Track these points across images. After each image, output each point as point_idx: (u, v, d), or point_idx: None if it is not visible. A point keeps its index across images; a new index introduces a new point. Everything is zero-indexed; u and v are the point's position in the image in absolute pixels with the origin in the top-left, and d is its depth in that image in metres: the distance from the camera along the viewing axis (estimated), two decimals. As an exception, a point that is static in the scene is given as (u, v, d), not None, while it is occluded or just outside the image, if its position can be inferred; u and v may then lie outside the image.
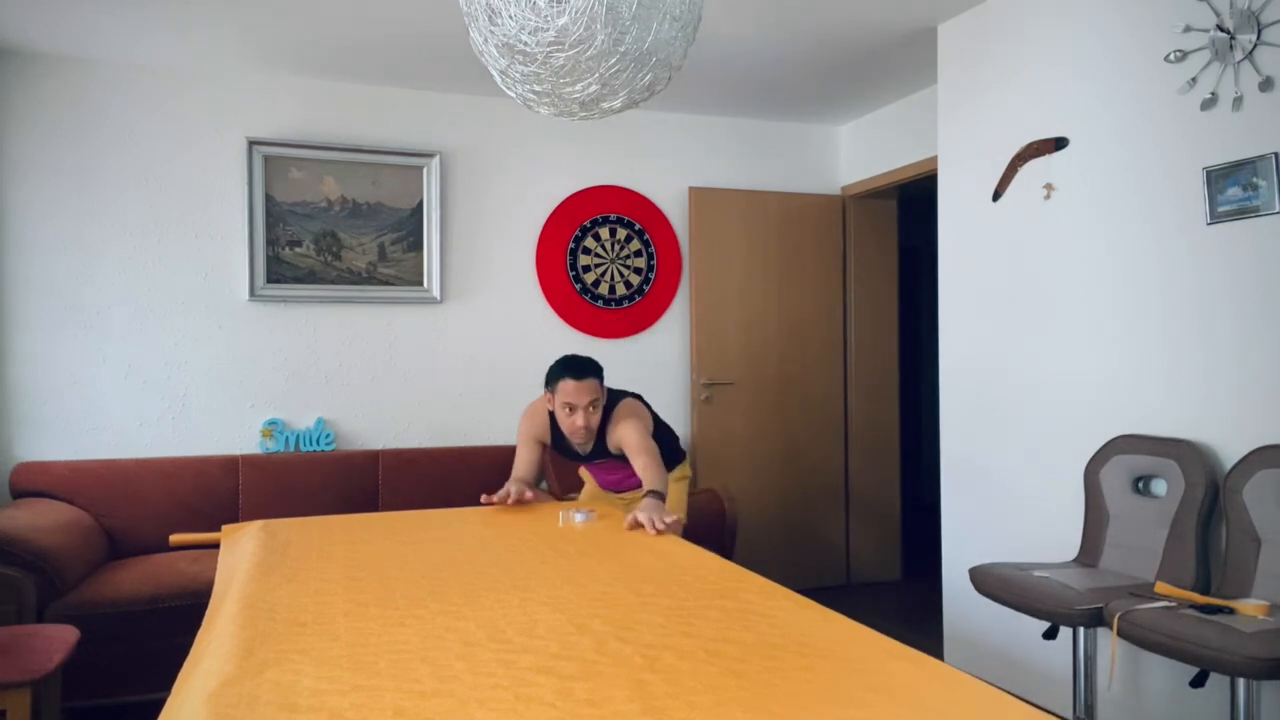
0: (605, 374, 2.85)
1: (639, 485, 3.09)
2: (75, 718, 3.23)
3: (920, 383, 7.37)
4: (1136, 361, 2.86)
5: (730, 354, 4.83)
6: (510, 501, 2.86)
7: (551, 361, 2.98)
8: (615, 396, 3.01)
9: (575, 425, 2.81)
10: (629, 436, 2.87)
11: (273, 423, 4.11)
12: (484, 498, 2.88)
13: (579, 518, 2.58)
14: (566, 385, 2.80)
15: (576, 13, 1.79)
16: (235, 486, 3.90)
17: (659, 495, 2.66)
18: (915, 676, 1.33)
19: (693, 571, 1.96)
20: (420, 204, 4.35)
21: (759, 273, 4.89)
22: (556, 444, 3.02)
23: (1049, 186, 3.17)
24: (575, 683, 1.31)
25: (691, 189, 4.78)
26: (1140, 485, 2.77)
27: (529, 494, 2.92)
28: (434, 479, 4.17)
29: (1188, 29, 2.67)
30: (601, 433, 2.94)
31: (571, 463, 3.04)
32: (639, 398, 3.07)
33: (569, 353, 2.89)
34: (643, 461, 2.80)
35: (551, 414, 2.95)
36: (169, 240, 4.01)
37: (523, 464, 3.02)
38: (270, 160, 4.12)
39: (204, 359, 4.06)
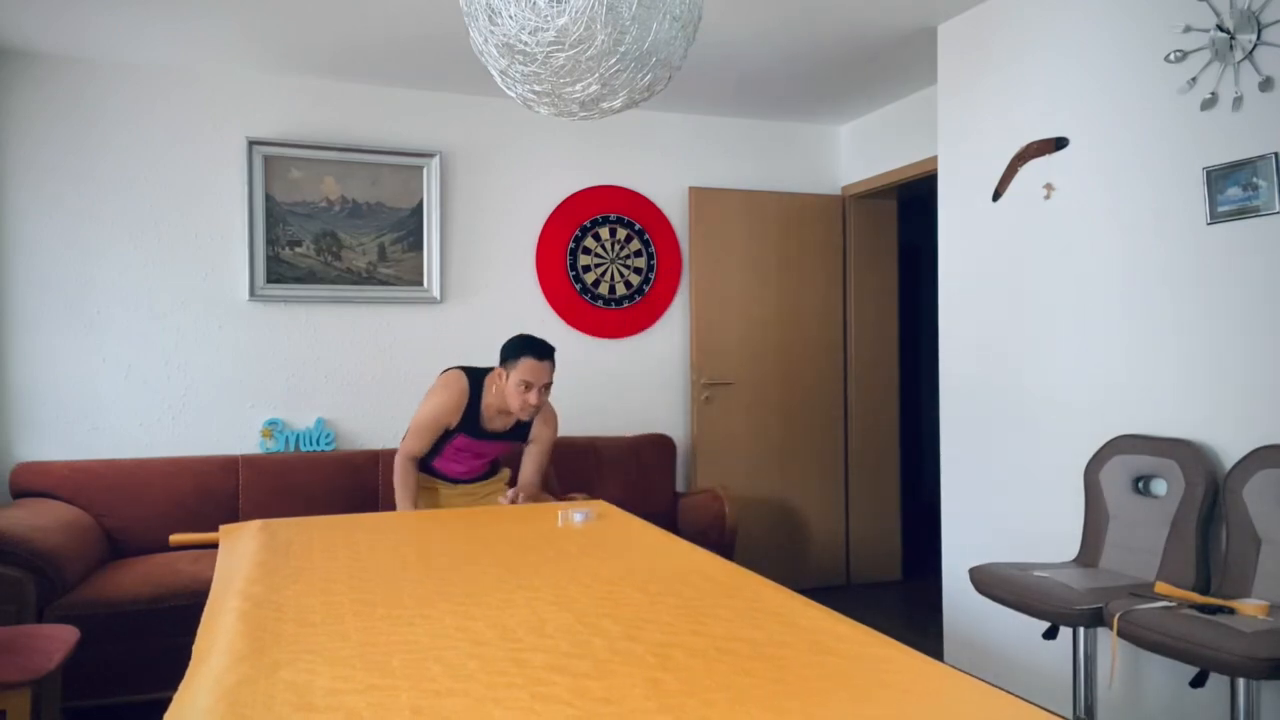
0: (556, 362, 3.16)
1: (482, 474, 3.35)
2: (75, 718, 3.23)
3: (920, 383, 7.37)
4: (1136, 361, 2.86)
5: (730, 354, 4.83)
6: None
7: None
8: None
9: (527, 402, 2.98)
10: (548, 438, 3.24)
11: (273, 423, 4.11)
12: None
13: (578, 517, 2.58)
14: (529, 364, 2.96)
15: (576, 13, 1.79)
16: (235, 486, 3.90)
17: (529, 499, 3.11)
18: (917, 676, 1.33)
19: (698, 571, 1.97)
20: (420, 204, 4.35)
21: (759, 273, 4.89)
22: (467, 424, 3.11)
23: (1049, 186, 3.17)
24: (589, 681, 1.31)
25: (691, 189, 4.78)
26: (1140, 485, 2.77)
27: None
28: (434, 479, 4.17)
29: (1188, 29, 2.67)
30: (527, 424, 3.20)
31: (462, 439, 3.18)
32: None
33: (525, 333, 3.13)
34: (540, 472, 3.21)
35: (473, 394, 3.09)
36: (169, 240, 4.01)
37: (421, 448, 3.13)
38: (270, 160, 4.12)
39: (204, 359, 4.06)
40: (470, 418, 3.11)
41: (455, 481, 3.31)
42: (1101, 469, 2.84)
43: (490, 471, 3.40)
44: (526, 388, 2.97)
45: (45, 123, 3.85)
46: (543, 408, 3.18)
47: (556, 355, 4.59)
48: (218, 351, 4.08)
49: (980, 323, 3.49)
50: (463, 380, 3.10)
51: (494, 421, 3.14)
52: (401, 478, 3.08)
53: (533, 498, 3.17)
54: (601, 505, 2.89)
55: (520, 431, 3.21)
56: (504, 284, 4.52)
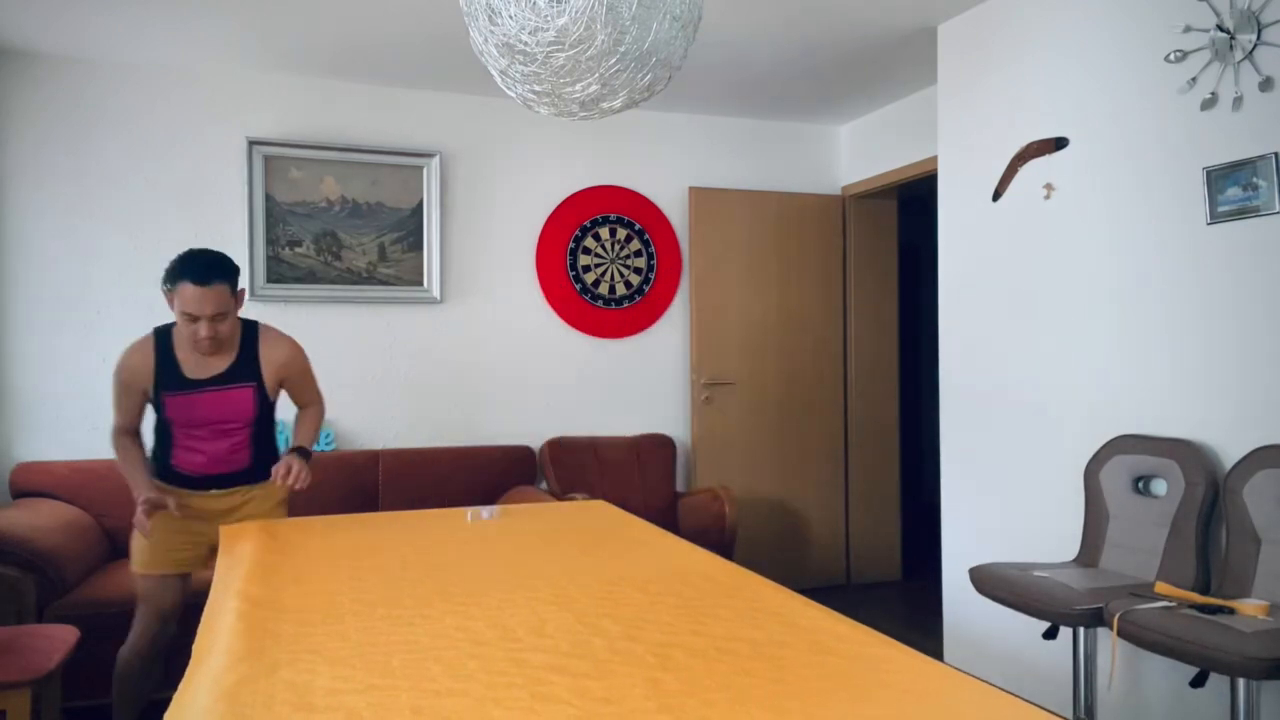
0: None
1: (240, 471, 2.60)
2: (75, 718, 3.23)
3: (920, 383, 7.37)
4: (1136, 361, 2.86)
5: (730, 354, 4.83)
6: (147, 509, 2.38)
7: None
8: (254, 323, 2.65)
9: (197, 335, 2.38)
10: (303, 369, 2.58)
11: (273, 423, 4.11)
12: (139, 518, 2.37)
13: (486, 514, 2.63)
14: (187, 290, 2.34)
15: (576, 13, 1.79)
16: (235, 486, 3.90)
17: (306, 453, 2.53)
18: (917, 676, 1.33)
19: (698, 571, 1.97)
20: (420, 204, 4.35)
21: (759, 273, 4.89)
22: (166, 377, 2.48)
23: (1049, 186, 3.17)
24: (589, 681, 1.31)
25: (691, 189, 4.78)
26: (1140, 485, 2.77)
27: (169, 501, 2.43)
28: (434, 479, 4.17)
29: (1188, 29, 2.67)
30: (250, 355, 2.52)
31: (171, 400, 2.49)
32: None
33: (198, 248, 2.50)
34: (312, 410, 2.63)
35: (162, 340, 2.52)
36: (169, 240, 4.01)
37: (124, 418, 2.56)
38: (270, 160, 4.12)
39: (204, 359, 4.06)
40: (166, 368, 2.47)
41: (199, 485, 2.58)
42: (1101, 469, 2.84)
43: (255, 471, 2.63)
44: (190, 320, 2.36)
45: (45, 123, 3.85)
46: (275, 337, 2.59)
47: (567, 361, 4.59)
48: (218, 351, 4.08)
49: (980, 323, 3.49)
50: (145, 334, 2.54)
51: (200, 367, 2.48)
52: (121, 456, 2.53)
53: (289, 466, 2.46)
54: (602, 505, 2.89)
55: (244, 370, 2.50)
56: (504, 284, 4.52)
